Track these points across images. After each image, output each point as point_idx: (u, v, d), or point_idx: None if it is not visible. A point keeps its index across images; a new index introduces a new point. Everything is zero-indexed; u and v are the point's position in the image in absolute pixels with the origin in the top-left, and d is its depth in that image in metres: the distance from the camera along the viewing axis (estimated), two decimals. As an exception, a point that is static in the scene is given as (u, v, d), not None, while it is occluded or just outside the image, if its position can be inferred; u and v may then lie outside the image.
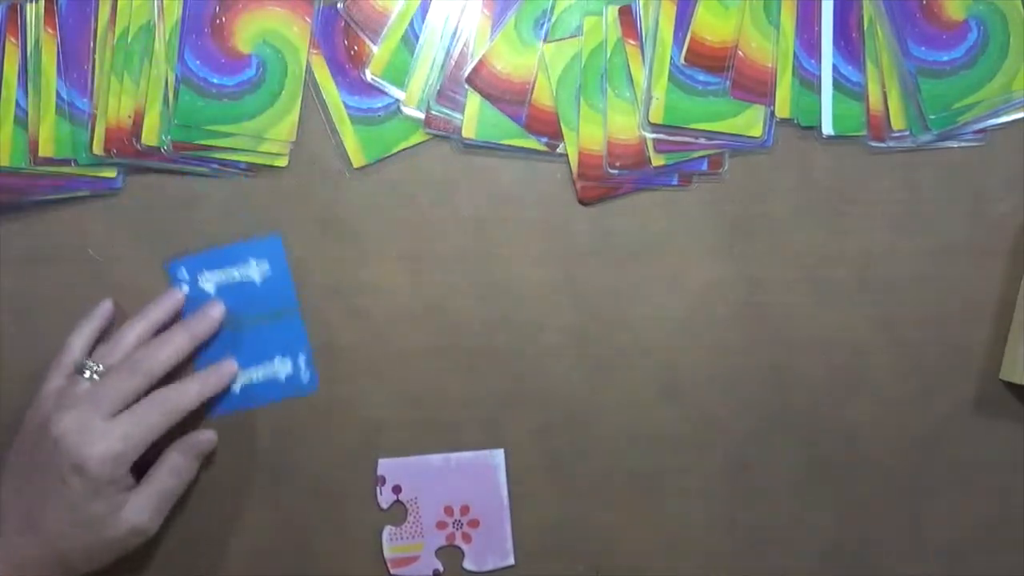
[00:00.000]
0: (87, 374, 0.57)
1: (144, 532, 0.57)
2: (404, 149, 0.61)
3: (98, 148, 0.59)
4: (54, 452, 0.54)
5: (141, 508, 0.56)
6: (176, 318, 0.60)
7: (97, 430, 0.54)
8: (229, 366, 0.60)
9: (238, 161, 0.60)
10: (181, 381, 0.58)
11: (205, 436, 0.60)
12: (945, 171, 0.61)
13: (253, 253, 0.61)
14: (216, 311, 0.60)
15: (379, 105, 0.61)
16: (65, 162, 0.60)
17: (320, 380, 0.61)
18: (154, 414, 0.56)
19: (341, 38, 0.60)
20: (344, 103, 0.60)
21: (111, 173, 0.60)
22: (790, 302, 0.62)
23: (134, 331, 0.59)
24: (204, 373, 0.59)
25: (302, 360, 0.61)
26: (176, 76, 0.59)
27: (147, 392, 0.57)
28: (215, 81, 0.60)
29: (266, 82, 0.60)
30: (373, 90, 0.60)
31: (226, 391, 0.61)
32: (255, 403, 0.61)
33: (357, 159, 0.61)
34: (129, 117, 0.59)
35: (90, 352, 0.59)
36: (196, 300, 0.61)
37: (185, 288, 0.61)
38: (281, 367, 0.61)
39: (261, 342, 0.61)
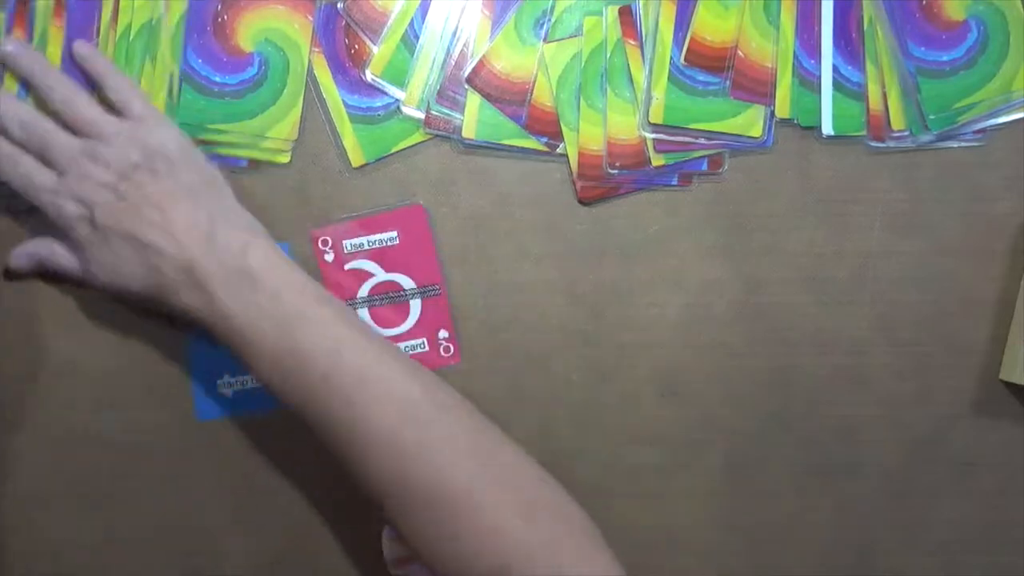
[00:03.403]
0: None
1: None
2: (403, 149, 0.61)
3: None
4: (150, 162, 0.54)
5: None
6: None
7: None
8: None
9: (239, 158, 0.60)
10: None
11: None
12: (945, 171, 0.61)
13: None
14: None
15: (379, 104, 0.61)
16: None
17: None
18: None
19: (342, 37, 0.60)
20: (344, 102, 0.60)
21: None
22: (790, 302, 0.62)
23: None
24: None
25: None
26: (178, 75, 0.59)
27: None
28: (217, 80, 0.60)
29: (268, 80, 0.60)
30: (373, 89, 0.60)
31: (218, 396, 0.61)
32: (248, 409, 0.61)
33: (356, 158, 0.61)
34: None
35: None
36: None
37: None
38: None
39: None
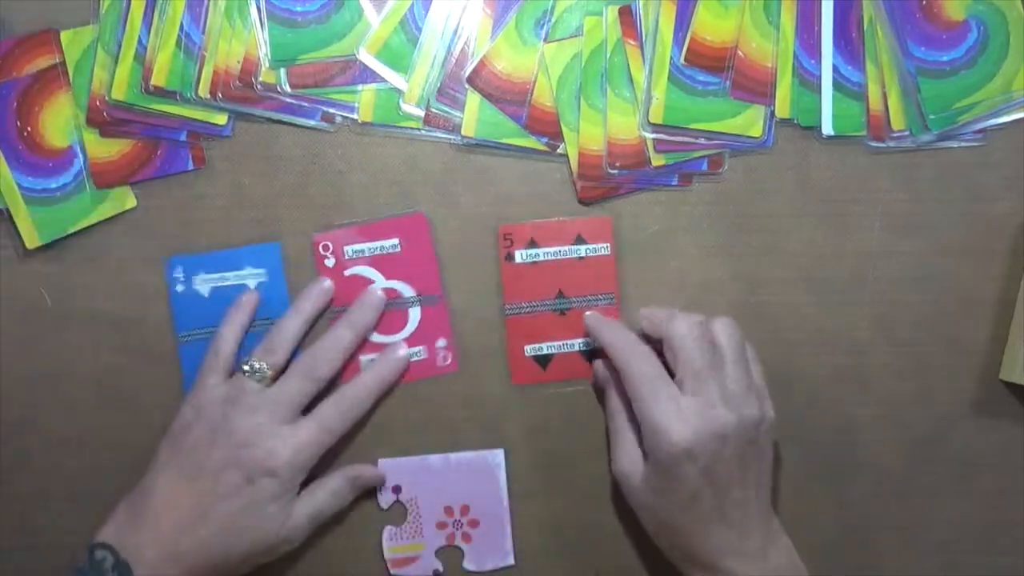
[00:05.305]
0: (253, 376, 0.57)
1: (293, 543, 0.57)
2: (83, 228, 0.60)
3: (204, 90, 0.59)
4: (240, 452, 0.55)
5: (301, 520, 0.57)
6: (326, 306, 0.60)
7: (283, 435, 0.55)
8: (397, 352, 0.61)
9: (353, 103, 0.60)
10: (356, 378, 0.59)
11: (371, 472, 0.60)
12: (945, 171, 0.61)
13: (251, 260, 0.61)
14: (375, 298, 0.60)
15: (54, 186, 0.59)
16: (172, 95, 0.59)
17: (320, 379, 0.61)
18: (336, 419, 0.57)
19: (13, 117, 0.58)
20: (18, 184, 0.59)
21: (221, 120, 0.60)
22: (790, 302, 0.62)
23: (291, 329, 0.59)
24: (376, 366, 0.60)
25: None
26: (261, 11, 0.59)
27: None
28: (299, 9, 0.59)
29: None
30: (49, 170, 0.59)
31: None
32: None
33: (31, 240, 0.59)
34: (238, 62, 0.59)
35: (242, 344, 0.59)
36: (188, 300, 0.61)
37: (180, 287, 0.61)
38: None
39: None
